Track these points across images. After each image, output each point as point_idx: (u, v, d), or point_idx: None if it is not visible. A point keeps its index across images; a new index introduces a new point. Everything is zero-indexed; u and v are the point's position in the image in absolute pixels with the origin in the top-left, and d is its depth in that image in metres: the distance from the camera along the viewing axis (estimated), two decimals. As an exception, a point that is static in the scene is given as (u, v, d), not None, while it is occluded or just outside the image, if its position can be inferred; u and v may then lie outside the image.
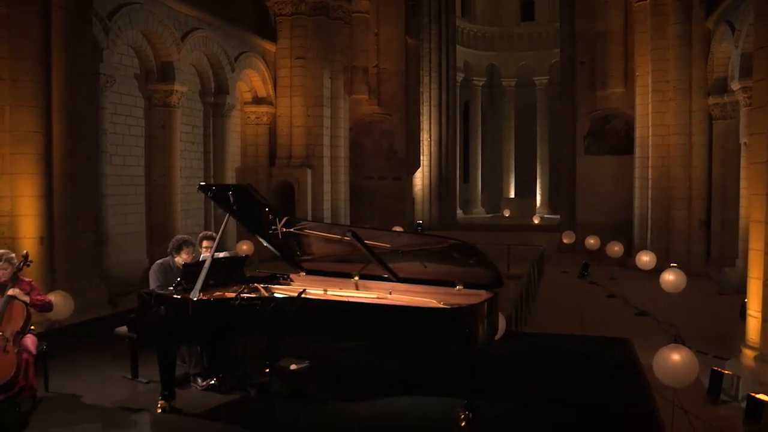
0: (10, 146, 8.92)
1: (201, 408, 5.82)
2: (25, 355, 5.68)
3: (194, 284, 5.59)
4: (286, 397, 6.09)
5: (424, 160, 23.75)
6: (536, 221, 26.90)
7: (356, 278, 6.26)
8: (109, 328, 9.05)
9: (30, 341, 5.91)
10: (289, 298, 5.43)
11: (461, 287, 5.79)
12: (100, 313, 9.98)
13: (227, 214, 6.04)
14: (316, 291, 5.99)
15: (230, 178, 16.02)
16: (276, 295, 5.86)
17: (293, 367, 6.78)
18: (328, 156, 17.80)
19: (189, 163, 15.10)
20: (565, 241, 17.87)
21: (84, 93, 10.22)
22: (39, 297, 6.13)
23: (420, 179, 23.86)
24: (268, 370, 6.60)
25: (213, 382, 6.25)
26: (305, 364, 6.89)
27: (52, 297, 7.69)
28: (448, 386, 6.22)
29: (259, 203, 6.10)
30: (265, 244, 6.45)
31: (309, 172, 17.19)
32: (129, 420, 5.62)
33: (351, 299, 5.77)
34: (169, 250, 6.58)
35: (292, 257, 6.56)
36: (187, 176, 14.80)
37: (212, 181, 15.63)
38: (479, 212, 31.66)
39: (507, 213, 29.70)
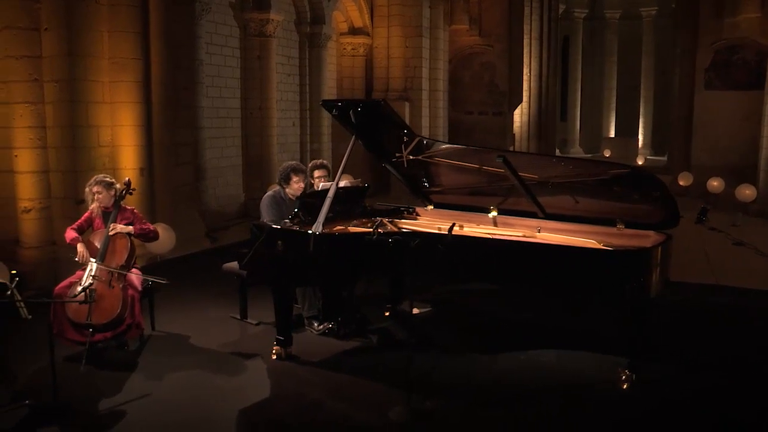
0: (109, 74, 8.45)
1: (319, 355, 5.22)
2: (130, 291, 5.21)
3: (314, 216, 4.93)
4: (413, 345, 5.41)
5: (524, 95, 22.47)
6: (640, 162, 25.34)
7: (494, 213, 5.47)
8: (210, 263, 8.76)
9: (135, 277, 5.43)
10: (439, 235, 4.68)
11: (622, 226, 4.92)
12: (199, 248, 9.62)
13: (353, 137, 5.29)
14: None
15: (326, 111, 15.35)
16: (403, 230, 5.17)
17: (415, 311, 6.14)
18: (427, 89, 16.89)
19: (284, 96, 14.49)
20: (681, 183, 16.50)
21: (180, 20, 9.66)
22: (143, 225, 5.64)
23: (518, 116, 22.66)
24: (388, 314, 6.02)
25: (330, 326, 5.65)
26: (428, 308, 6.23)
27: (154, 229, 7.29)
28: (598, 340, 5.45)
29: (392, 123, 5.33)
30: (392, 173, 5.73)
31: (407, 105, 16.35)
32: (242, 366, 5.08)
33: (501, 237, 4.98)
34: (278, 181, 5.89)
35: (419, 188, 5.82)
36: (282, 109, 14.23)
37: (308, 115, 15.06)
38: (577, 152, 30.17)
39: (607, 153, 28.09)
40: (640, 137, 29.84)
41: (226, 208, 12.65)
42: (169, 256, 8.67)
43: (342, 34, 16.54)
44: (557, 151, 26.99)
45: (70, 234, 5.44)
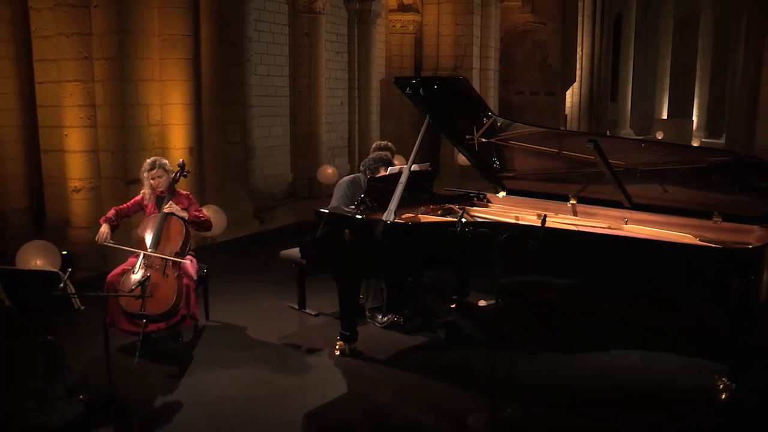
0: (159, 51, 8.19)
1: (385, 352, 4.88)
2: (185, 280, 4.93)
3: (381, 203, 4.58)
4: (484, 342, 5.06)
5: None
6: (695, 145, 24.46)
7: (573, 202, 5.06)
8: (261, 247, 8.52)
9: (190, 264, 5.15)
10: (531, 228, 4.29)
11: (719, 219, 4.47)
12: (248, 230, 9.38)
13: (426, 118, 4.91)
14: (529, 217, 4.89)
15: (375, 90, 15.02)
16: (477, 218, 4.80)
17: (482, 303, 5.79)
18: (477, 68, 16.37)
19: (333, 74, 14.15)
20: (744, 167, 15.74)
21: (230, -5, 9.37)
22: (198, 213, 5.35)
23: (569, 96, 21.98)
24: (454, 306, 5.68)
25: (395, 319, 5.32)
26: (494, 301, 5.84)
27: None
28: (691, 342, 5.01)
29: (469, 103, 4.94)
30: (465, 156, 5.37)
31: (457, 85, 15.87)
32: (304, 362, 4.77)
33: (604, 232, 4.57)
34: (362, 169, 5.48)
35: (491, 173, 5.43)
36: (331, 87, 13.90)
37: (356, 93, 14.73)
38: (627, 134, 29.22)
39: (660, 135, 27.17)
40: (695, 119, 28.84)
41: (274, 188, 12.43)
42: (219, 239, 8.43)
43: (391, 10, 16.11)
44: (607, 132, 26.21)
45: (110, 212, 5.20)
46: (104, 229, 5.06)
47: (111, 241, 5.04)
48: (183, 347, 5.01)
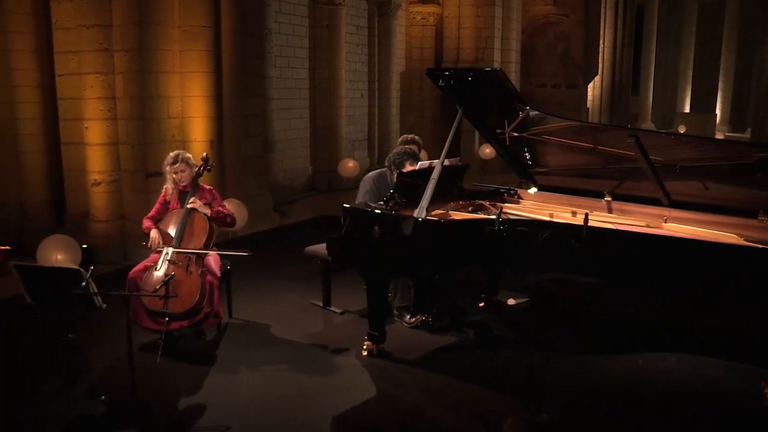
0: (179, 43, 8.07)
1: (414, 352, 4.73)
2: (209, 277, 4.82)
3: (411, 199, 4.44)
4: (514, 343, 4.91)
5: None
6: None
7: (608, 198, 4.88)
8: (283, 242, 8.41)
9: (214, 261, 5.04)
10: (573, 227, 4.13)
11: (765, 219, 4.28)
12: (269, 224, 9.27)
13: (460, 110, 4.75)
14: (563, 214, 4.72)
15: (395, 82, 14.86)
16: (510, 216, 4.65)
17: (511, 302, 5.64)
18: (499, 60, 16.14)
19: (353, 66, 13.99)
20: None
21: (250, -14, 9.24)
22: (221, 208, 5.23)
23: (590, 89, 21.66)
24: (482, 304, 5.54)
25: (424, 318, 5.18)
26: (524, 299, 5.71)
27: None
28: (730, 345, 4.83)
29: (504, 95, 4.76)
30: (497, 150, 5.22)
31: (478, 77, 15.64)
32: (331, 362, 4.65)
33: (629, 228, 4.40)
34: (387, 164, 5.33)
35: (523, 168, 5.26)
36: (351, 80, 13.76)
37: (376, 86, 14.57)
38: (648, 127, 28.79)
39: (682, 129, 26.80)
40: (718, 112, 28.38)
41: (294, 181, 12.34)
42: (240, 233, 8.32)
43: (411, 2, 15.93)
44: (628, 125, 25.87)
45: (146, 222, 5.09)
46: (154, 234, 4.98)
47: (162, 246, 4.94)
48: (206, 346, 4.91)
